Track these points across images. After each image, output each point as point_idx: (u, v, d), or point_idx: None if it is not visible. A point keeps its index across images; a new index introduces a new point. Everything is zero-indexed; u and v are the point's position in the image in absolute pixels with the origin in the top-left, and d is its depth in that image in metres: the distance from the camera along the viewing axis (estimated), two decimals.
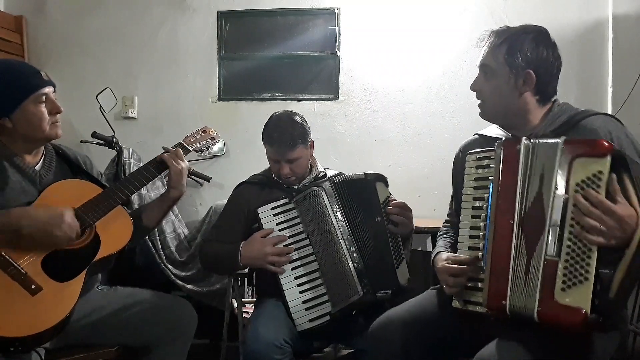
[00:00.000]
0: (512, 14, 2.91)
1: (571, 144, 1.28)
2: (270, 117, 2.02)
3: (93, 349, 1.67)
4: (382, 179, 1.89)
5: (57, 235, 1.49)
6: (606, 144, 1.22)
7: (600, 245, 1.19)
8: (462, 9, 2.96)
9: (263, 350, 1.62)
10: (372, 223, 1.80)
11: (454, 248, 1.59)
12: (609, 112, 2.78)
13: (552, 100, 1.55)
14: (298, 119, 1.99)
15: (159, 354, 1.72)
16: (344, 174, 1.92)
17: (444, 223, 1.79)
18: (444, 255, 1.56)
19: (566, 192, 1.25)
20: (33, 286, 1.47)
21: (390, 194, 1.88)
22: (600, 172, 1.21)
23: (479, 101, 1.57)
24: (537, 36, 1.49)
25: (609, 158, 1.20)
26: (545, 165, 1.31)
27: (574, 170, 1.25)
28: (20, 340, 1.42)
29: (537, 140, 1.35)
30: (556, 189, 1.27)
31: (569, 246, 1.23)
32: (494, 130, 1.62)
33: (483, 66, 1.53)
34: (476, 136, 1.68)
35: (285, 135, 1.92)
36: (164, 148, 1.80)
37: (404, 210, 1.83)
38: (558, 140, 1.30)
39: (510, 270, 1.32)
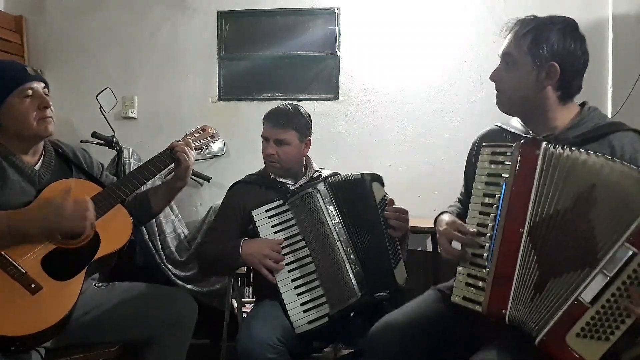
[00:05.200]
0: (512, 14, 2.83)
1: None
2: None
3: (93, 348, 1.67)
4: (378, 178, 1.88)
5: (65, 227, 1.50)
6: None
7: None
8: (462, 8, 2.96)
9: (257, 349, 1.62)
10: (368, 223, 1.79)
11: (458, 217, 1.57)
12: (609, 112, 2.79)
13: (581, 102, 1.49)
14: (302, 110, 2.03)
15: (160, 347, 1.71)
16: (338, 174, 1.92)
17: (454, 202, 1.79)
18: (447, 217, 1.54)
19: (635, 244, 1.13)
20: (33, 285, 1.47)
21: (386, 194, 1.87)
22: None
23: (496, 91, 1.52)
24: (565, 27, 1.42)
25: None
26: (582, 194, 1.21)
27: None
28: (20, 339, 1.42)
29: (570, 152, 1.26)
30: (628, 236, 1.14)
31: (608, 300, 1.14)
32: (514, 125, 1.56)
33: (505, 55, 1.47)
34: (496, 127, 1.62)
35: (281, 114, 1.98)
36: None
37: (401, 214, 1.82)
38: None
39: (515, 280, 1.29)
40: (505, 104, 1.51)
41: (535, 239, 1.28)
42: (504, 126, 1.58)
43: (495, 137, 1.55)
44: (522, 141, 1.37)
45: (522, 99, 1.46)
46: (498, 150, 1.40)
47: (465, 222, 1.45)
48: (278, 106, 2.02)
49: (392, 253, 1.79)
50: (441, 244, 1.50)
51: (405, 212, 1.83)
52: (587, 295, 1.16)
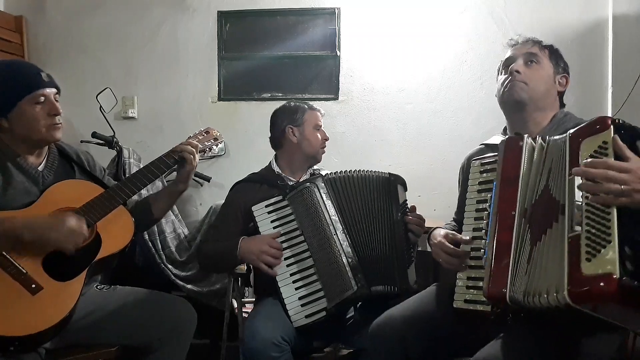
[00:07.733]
0: (512, 14, 2.91)
1: (575, 132, 1.29)
2: (286, 102, 2.15)
3: (93, 349, 1.67)
4: (403, 182, 1.92)
5: (59, 241, 1.49)
6: (605, 117, 1.23)
7: (623, 205, 1.11)
8: (462, 9, 2.96)
9: (261, 348, 1.62)
10: (382, 220, 1.82)
11: None
12: (609, 112, 2.79)
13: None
14: None
15: (159, 353, 1.71)
16: (334, 172, 1.93)
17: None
18: (442, 231, 1.58)
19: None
20: (33, 285, 1.47)
21: (407, 199, 1.90)
22: (605, 142, 1.19)
23: (515, 81, 1.60)
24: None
25: (611, 128, 1.19)
26: (554, 160, 1.31)
27: (581, 151, 1.23)
28: (19, 339, 1.42)
29: (549, 138, 1.37)
30: (569, 174, 1.23)
31: (587, 216, 1.15)
32: (498, 140, 1.61)
33: (529, 54, 1.60)
34: (482, 146, 1.70)
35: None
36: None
37: (421, 221, 1.86)
38: (565, 134, 1.31)
39: (512, 258, 1.29)
40: (526, 92, 1.59)
41: (528, 217, 1.31)
42: (488, 142, 1.67)
43: (481, 155, 1.61)
44: (506, 137, 1.46)
45: (543, 93, 1.59)
46: (487, 161, 1.49)
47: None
48: (295, 102, 2.14)
49: (406, 254, 1.81)
50: (437, 255, 1.53)
51: (424, 220, 1.87)
52: (572, 228, 1.18)
